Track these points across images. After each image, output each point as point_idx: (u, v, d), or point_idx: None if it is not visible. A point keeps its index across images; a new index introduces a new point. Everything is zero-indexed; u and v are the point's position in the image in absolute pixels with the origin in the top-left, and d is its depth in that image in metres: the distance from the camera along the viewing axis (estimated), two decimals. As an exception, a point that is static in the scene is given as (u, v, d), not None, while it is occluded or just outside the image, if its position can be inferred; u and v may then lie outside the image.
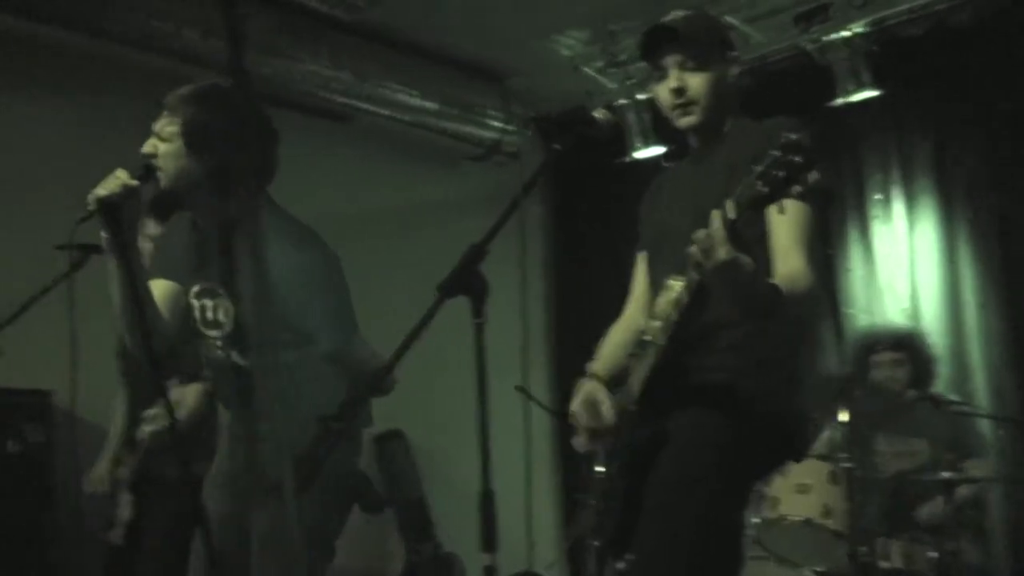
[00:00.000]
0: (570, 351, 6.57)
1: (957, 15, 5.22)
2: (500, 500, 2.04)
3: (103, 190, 2.42)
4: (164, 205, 2.80)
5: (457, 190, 6.52)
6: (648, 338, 2.47)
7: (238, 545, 2.56)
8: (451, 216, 6.23)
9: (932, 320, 5.45)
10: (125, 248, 2.42)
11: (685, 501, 2.33)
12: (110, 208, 2.38)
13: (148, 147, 2.65)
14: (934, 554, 4.21)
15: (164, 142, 2.64)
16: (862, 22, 5.23)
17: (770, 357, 2.48)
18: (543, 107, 6.48)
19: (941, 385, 4.93)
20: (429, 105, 5.83)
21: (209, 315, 2.77)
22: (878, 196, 5.73)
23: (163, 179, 2.63)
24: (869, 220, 5.75)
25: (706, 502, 2.34)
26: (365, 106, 5.56)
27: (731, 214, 2.04)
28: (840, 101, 5.32)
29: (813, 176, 1.94)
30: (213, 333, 2.77)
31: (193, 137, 2.61)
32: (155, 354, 2.38)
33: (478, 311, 2.07)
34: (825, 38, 5.31)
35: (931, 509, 4.38)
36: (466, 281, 2.07)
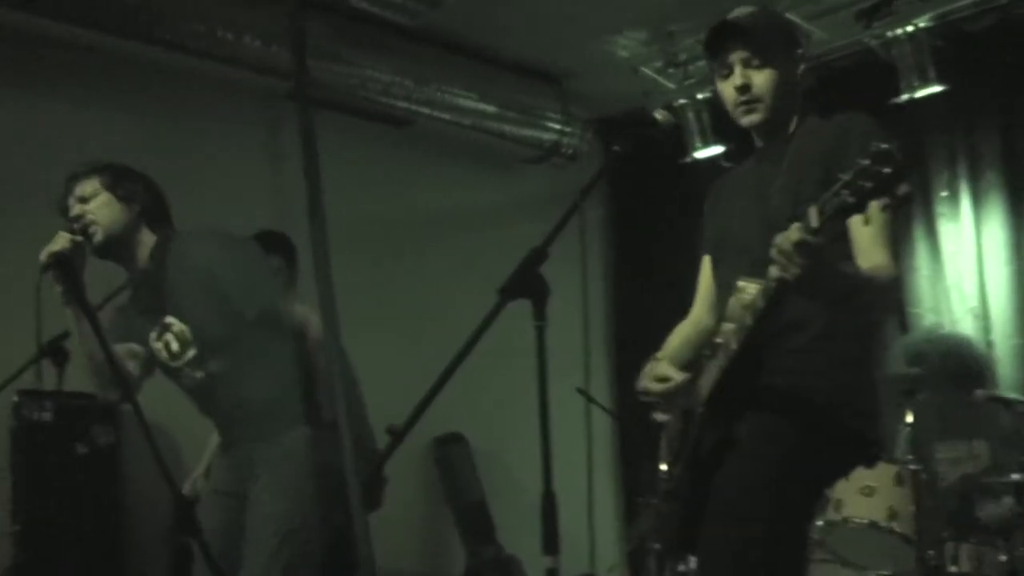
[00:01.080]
0: (631, 353, 6.52)
1: (1022, 8, 5.12)
2: (561, 502, 2.03)
3: (54, 247, 2.72)
4: (104, 256, 3.03)
5: (515, 193, 6.51)
6: (720, 340, 2.45)
7: (231, 557, 2.86)
8: (509, 219, 6.29)
9: (1000, 319, 5.33)
10: (79, 294, 2.71)
11: (752, 506, 2.30)
12: (62, 262, 2.68)
13: (76, 211, 2.95)
14: (1004, 557, 4.12)
15: (90, 200, 2.96)
16: (926, 17, 5.15)
17: (842, 359, 2.44)
18: (601, 109, 6.46)
19: (1008, 384, 4.82)
20: (488, 108, 5.82)
21: (173, 347, 3.04)
22: (944, 193, 5.62)
23: (99, 233, 2.94)
24: (936, 218, 5.63)
25: (773, 508, 2.30)
26: (425, 110, 5.57)
27: (814, 223, 1.98)
28: (904, 97, 5.24)
29: (903, 189, 1.89)
30: (180, 362, 3.04)
31: (117, 185, 2.97)
32: (130, 388, 2.81)
33: (539, 314, 2.07)
34: (889, 34, 5.24)
35: (999, 511, 4.29)
36: (527, 284, 2.07)
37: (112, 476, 4.30)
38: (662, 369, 2.63)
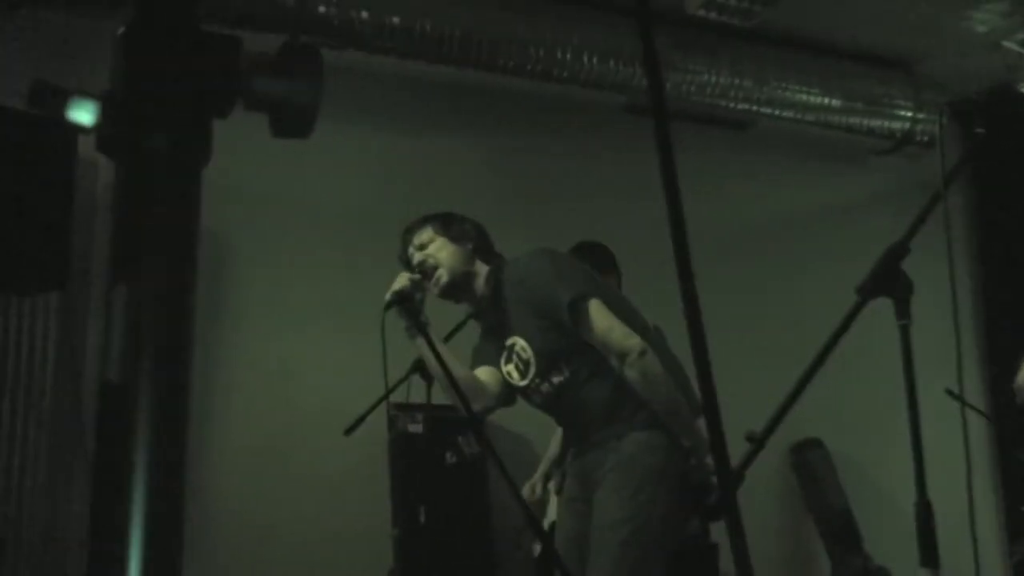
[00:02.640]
0: (1004, 352, 6.02)
1: None
2: (936, 512, 1.92)
3: (396, 286, 2.95)
4: (450, 295, 3.24)
5: (863, 187, 6.23)
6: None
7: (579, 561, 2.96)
8: (858, 215, 6.05)
9: None
10: (421, 326, 2.93)
11: None
12: (404, 299, 2.91)
13: (417, 259, 3.19)
14: None
15: (428, 245, 3.20)
16: None
17: None
18: (958, 90, 6.01)
19: None
20: (832, 102, 5.61)
21: (519, 367, 3.19)
22: None
23: (444, 274, 3.16)
24: None
25: None
26: (766, 110, 5.46)
27: None
28: None
29: None
30: (527, 380, 3.17)
31: (448, 228, 3.21)
32: (471, 408, 2.91)
33: (903, 312, 1.96)
34: None
35: None
36: (888, 281, 1.97)
37: (479, 484, 4.48)
38: None
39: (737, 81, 5.32)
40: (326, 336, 4.74)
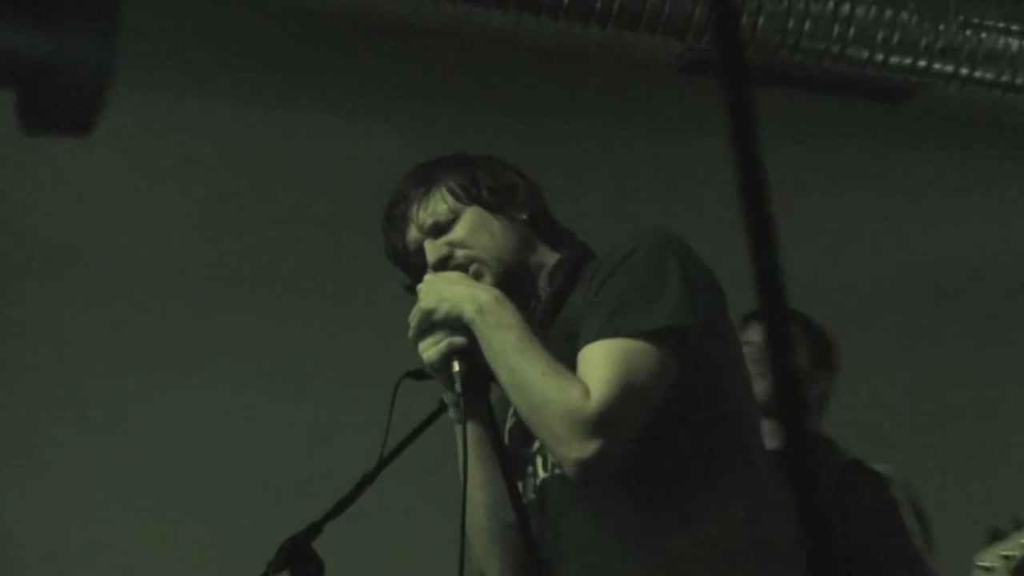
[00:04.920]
0: None
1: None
2: None
3: (443, 342, 2.00)
4: None
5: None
6: None
7: None
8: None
9: None
10: (487, 409, 1.99)
11: None
12: (467, 357, 1.97)
13: (436, 252, 2.24)
14: None
15: (450, 225, 2.25)
16: None
17: None
18: None
19: None
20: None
21: None
22: None
23: (489, 275, 2.20)
24: None
25: None
26: (940, 67, 3.85)
27: None
28: None
29: None
30: None
31: (484, 189, 2.28)
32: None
33: None
34: None
35: None
36: None
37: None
38: None
39: (889, 15, 3.71)
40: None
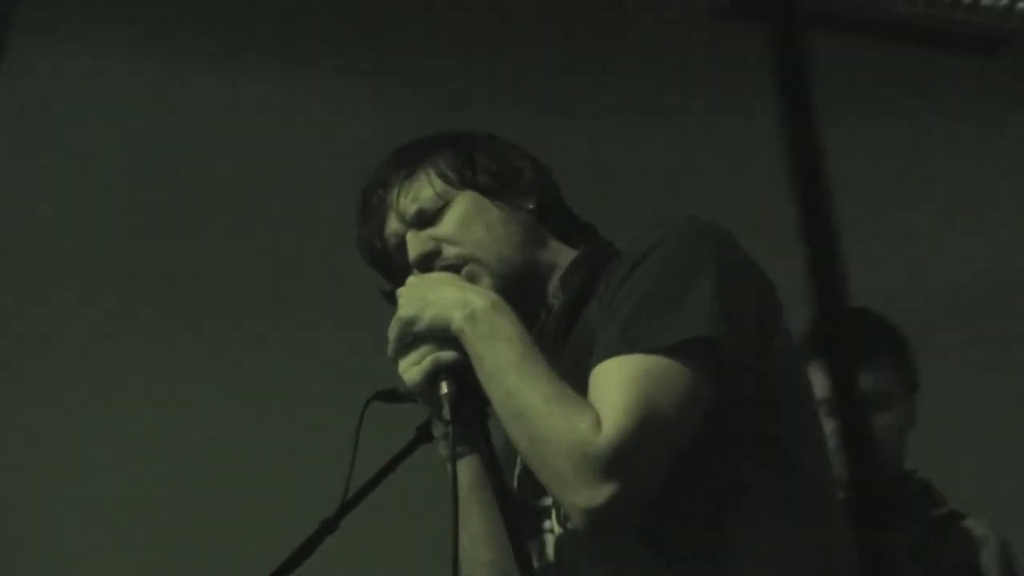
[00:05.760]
0: None
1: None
2: None
3: (430, 357, 1.81)
4: None
5: None
6: None
7: None
8: None
9: None
10: (486, 439, 1.78)
11: None
12: (456, 376, 1.77)
13: (419, 248, 2.09)
14: None
15: (438, 215, 2.11)
16: None
17: None
18: None
19: None
20: None
21: None
22: None
23: (486, 276, 2.05)
24: None
25: None
26: None
27: None
28: None
29: None
30: None
31: (482, 170, 2.12)
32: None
33: None
34: None
35: None
36: None
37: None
38: None
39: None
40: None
